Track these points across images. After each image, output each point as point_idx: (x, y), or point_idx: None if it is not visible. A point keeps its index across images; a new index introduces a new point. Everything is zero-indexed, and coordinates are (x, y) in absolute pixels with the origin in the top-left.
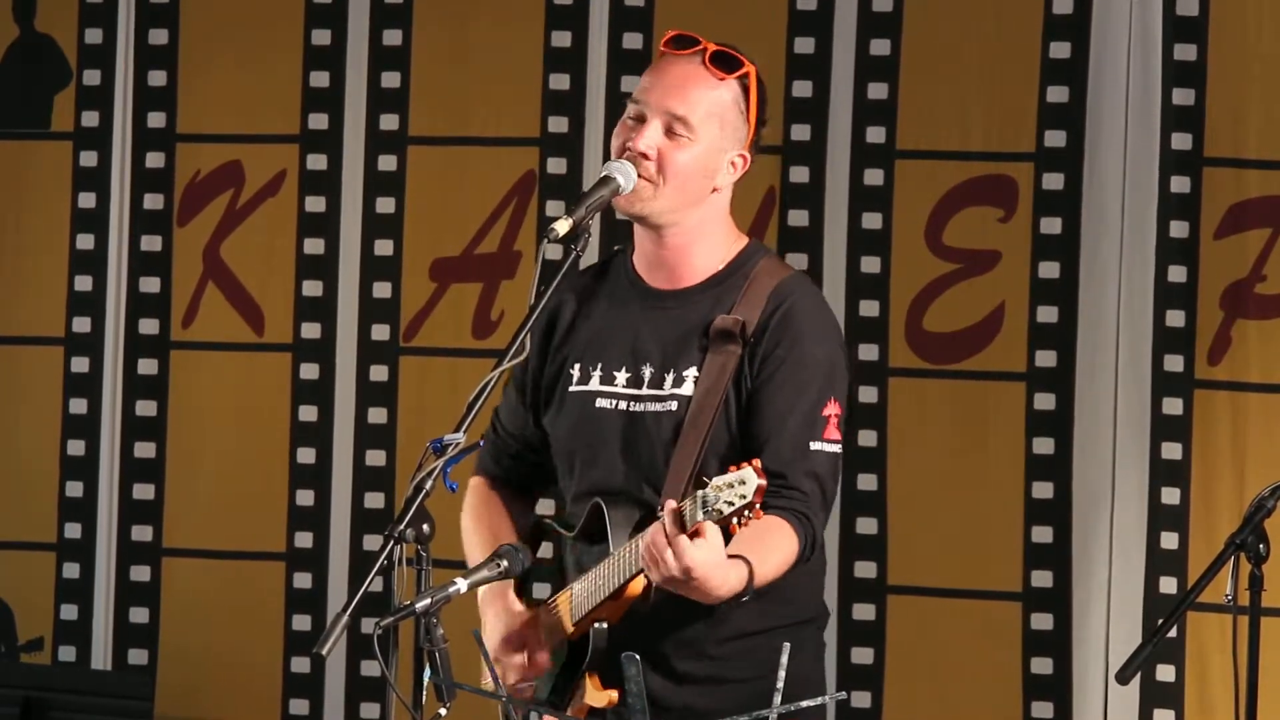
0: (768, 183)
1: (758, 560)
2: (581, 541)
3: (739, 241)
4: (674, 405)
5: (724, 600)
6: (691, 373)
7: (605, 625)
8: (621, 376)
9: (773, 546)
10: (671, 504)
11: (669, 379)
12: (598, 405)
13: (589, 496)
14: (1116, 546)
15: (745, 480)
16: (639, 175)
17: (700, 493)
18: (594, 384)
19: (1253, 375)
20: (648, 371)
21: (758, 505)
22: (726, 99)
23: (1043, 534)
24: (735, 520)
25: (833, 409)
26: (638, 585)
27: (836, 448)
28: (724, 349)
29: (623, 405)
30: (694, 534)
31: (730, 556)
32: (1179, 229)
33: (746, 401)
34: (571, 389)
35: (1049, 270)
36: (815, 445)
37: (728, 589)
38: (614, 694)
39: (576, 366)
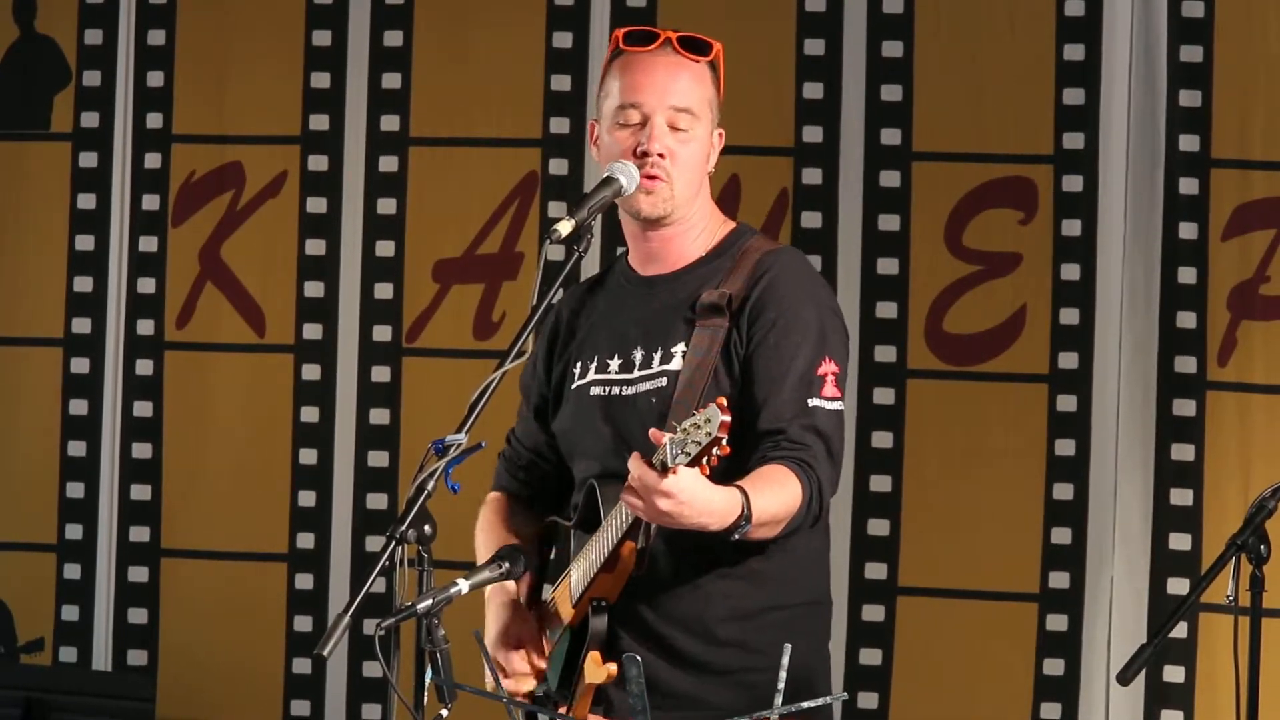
0: (780, 184)
1: (753, 490)
2: (581, 529)
3: (726, 225)
4: (663, 381)
5: (726, 529)
6: (680, 349)
7: (603, 603)
8: (614, 364)
9: (771, 482)
10: (655, 432)
11: (657, 357)
12: (592, 394)
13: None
14: (1119, 548)
15: (710, 418)
16: (656, 178)
17: (669, 437)
18: (591, 375)
19: (1257, 376)
20: (638, 354)
21: (723, 440)
22: (709, 81)
23: (1062, 535)
24: (704, 460)
25: (829, 367)
26: (630, 555)
27: (838, 405)
28: (711, 322)
29: (615, 390)
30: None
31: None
32: (1188, 230)
33: (740, 372)
34: (573, 386)
35: (1070, 272)
36: (814, 402)
37: (721, 507)
38: (613, 667)
39: (577, 365)
